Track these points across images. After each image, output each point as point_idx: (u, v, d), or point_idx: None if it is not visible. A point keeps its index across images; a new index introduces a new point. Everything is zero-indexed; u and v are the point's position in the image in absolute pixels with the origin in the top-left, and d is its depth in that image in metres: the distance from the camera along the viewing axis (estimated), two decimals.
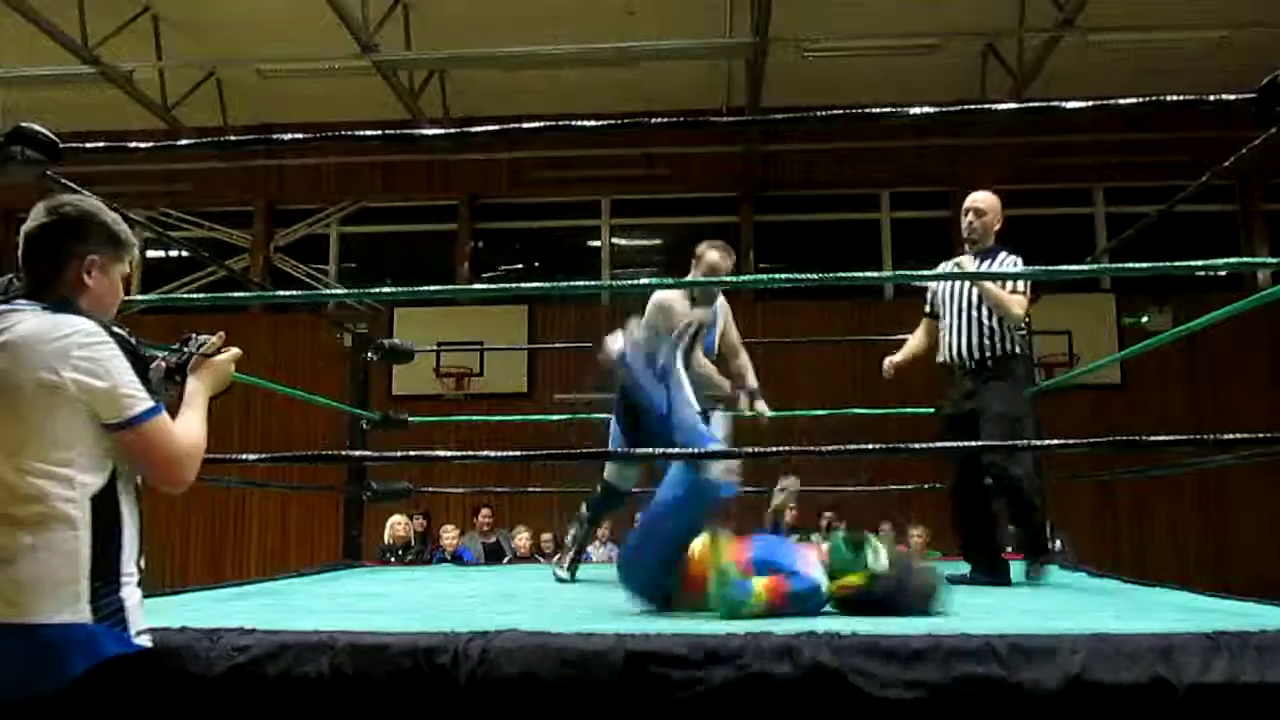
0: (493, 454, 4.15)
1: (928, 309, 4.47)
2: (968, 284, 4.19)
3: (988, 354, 4.13)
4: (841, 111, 2.80)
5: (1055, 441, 3.34)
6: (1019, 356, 4.20)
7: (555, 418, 7.52)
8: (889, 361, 4.52)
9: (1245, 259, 4.84)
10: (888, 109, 2.79)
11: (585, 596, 3.63)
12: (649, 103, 10.62)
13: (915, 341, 4.54)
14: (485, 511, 9.19)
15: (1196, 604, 3.06)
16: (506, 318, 11.08)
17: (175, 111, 10.49)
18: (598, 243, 11.96)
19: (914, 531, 8.57)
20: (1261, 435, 2.52)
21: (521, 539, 8.94)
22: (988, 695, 1.86)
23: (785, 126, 11.29)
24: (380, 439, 5.82)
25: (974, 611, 2.79)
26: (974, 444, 4.10)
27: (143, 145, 2.90)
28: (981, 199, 4.30)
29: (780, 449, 2.90)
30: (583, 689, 1.94)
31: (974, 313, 4.16)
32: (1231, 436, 2.55)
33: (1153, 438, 2.76)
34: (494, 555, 8.78)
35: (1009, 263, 4.20)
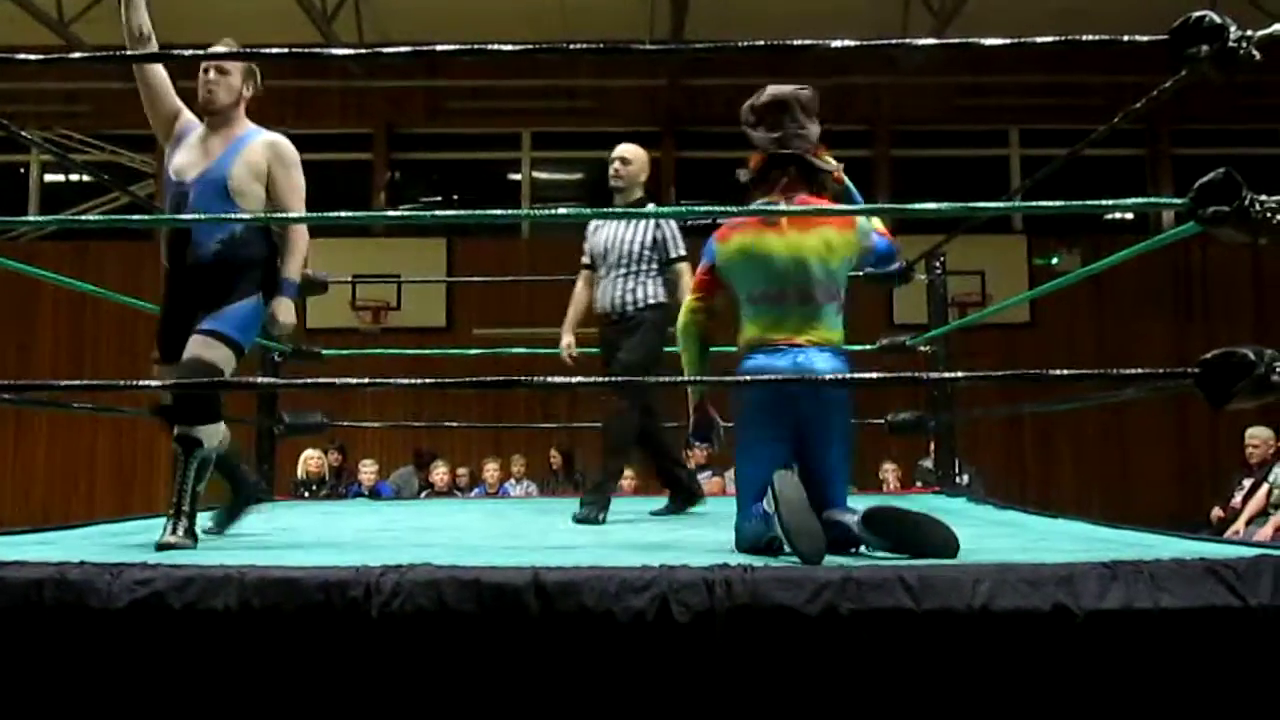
0: (401, 380, 4.06)
1: (587, 260, 4.46)
2: (626, 238, 4.26)
3: (630, 307, 4.24)
4: (762, 43, 2.76)
5: (960, 374, 3.42)
6: (661, 305, 4.25)
7: (473, 352, 7.46)
8: (567, 345, 4.49)
9: (1150, 199, 4.97)
10: (808, 42, 2.76)
11: (502, 529, 3.62)
12: (571, 33, 10.43)
13: (580, 298, 4.51)
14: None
15: (1097, 535, 3.17)
16: (424, 250, 10.90)
17: (73, 28, 9.96)
18: (518, 176, 11.79)
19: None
20: (1161, 370, 2.59)
21: (439, 473, 8.91)
22: (899, 625, 1.90)
23: (705, 55, 11.20)
24: (293, 373, 5.71)
25: None
26: (910, 375, 4.16)
27: (32, 57, 2.74)
28: (629, 149, 4.41)
29: (691, 379, 2.91)
30: (497, 621, 1.94)
31: (633, 265, 4.25)
32: (1133, 371, 2.62)
33: (1056, 372, 2.83)
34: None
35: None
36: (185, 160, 3.11)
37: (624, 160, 4.36)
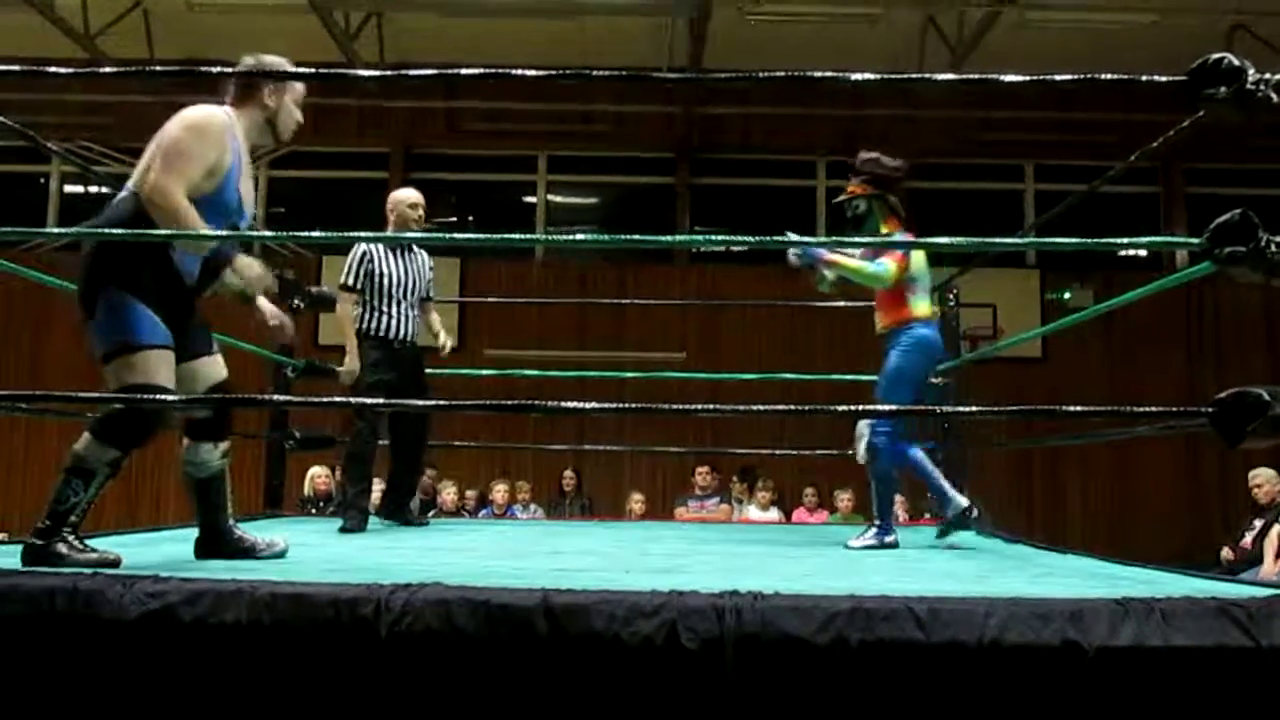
0: (412, 402, 4.05)
1: (356, 282, 4.72)
2: (425, 273, 4.97)
3: (417, 337, 4.87)
4: (781, 74, 2.78)
5: (974, 409, 3.43)
6: None
7: (485, 372, 7.48)
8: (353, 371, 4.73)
9: (1166, 238, 4.96)
10: (826, 74, 2.77)
11: (510, 551, 3.62)
12: (589, 59, 10.50)
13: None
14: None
15: (1106, 570, 3.15)
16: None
17: (98, 41, 10.07)
18: (533, 199, 11.84)
19: (842, 495, 8.69)
20: (1175, 409, 2.60)
21: (448, 494, 8.90)
22: (908, 657, 1.90)
23: (723, 84, 11.28)
24: (305, 389, 5.72)
25: (894, 575, 2.85)
26: (900, 408, 4.17)
27: (62, 70, 2.77)
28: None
29: (705, 406, 2.91)
30: (506, 642, 1.94)
31: (416, 300, 4.86)
32: (1147, 409, 2.62)
33: (1070, 408, 2.82)
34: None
35: None
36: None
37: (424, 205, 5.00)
